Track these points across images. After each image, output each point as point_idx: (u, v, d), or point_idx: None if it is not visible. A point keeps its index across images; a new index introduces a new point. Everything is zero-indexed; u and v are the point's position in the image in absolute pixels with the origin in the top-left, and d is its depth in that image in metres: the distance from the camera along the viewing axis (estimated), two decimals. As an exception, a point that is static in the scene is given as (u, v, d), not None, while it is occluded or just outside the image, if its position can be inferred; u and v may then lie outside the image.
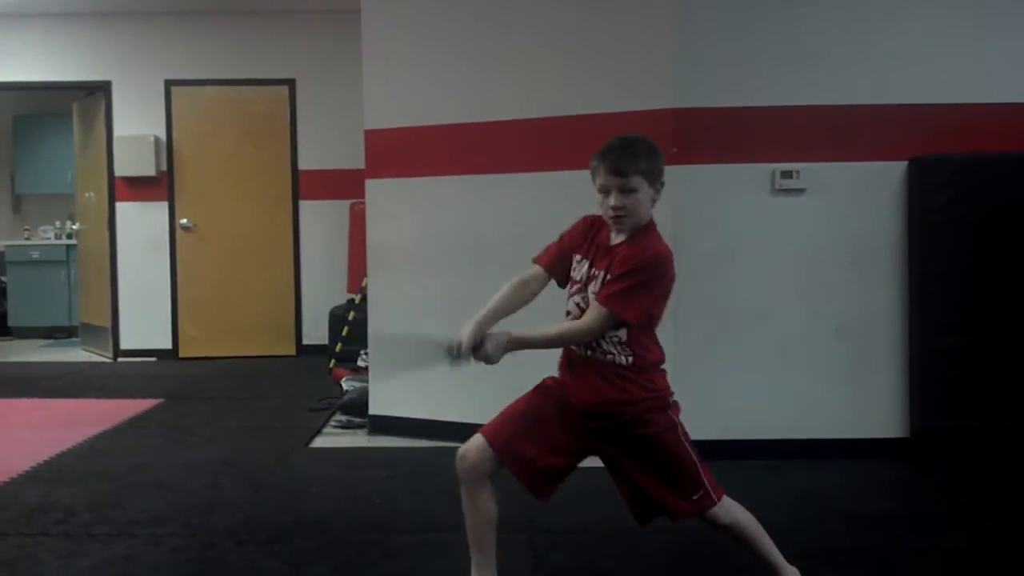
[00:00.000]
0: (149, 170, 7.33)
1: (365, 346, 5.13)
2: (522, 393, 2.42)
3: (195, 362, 7.23)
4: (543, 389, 2.40)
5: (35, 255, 8.87)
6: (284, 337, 7.54)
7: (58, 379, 6.51)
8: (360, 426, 4.79)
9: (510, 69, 4.35)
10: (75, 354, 7.84)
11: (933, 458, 3.95)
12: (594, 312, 2.23)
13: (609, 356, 2.27)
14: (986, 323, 3.99)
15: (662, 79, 4.03)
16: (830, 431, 4.04)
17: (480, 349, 2.20)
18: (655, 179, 2.27)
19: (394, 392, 4.61)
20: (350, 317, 6.16)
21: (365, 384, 4.82)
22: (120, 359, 7.43)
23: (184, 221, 7.43)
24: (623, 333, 2.26)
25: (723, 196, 4.04)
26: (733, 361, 4.08)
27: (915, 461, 3.98)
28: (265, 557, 2.94)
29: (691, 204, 3.98)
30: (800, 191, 4.04)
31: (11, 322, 8.89)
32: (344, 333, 6.17)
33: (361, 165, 4.78)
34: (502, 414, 2.39)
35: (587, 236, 2.37)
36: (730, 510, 2.35)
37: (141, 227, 7.42)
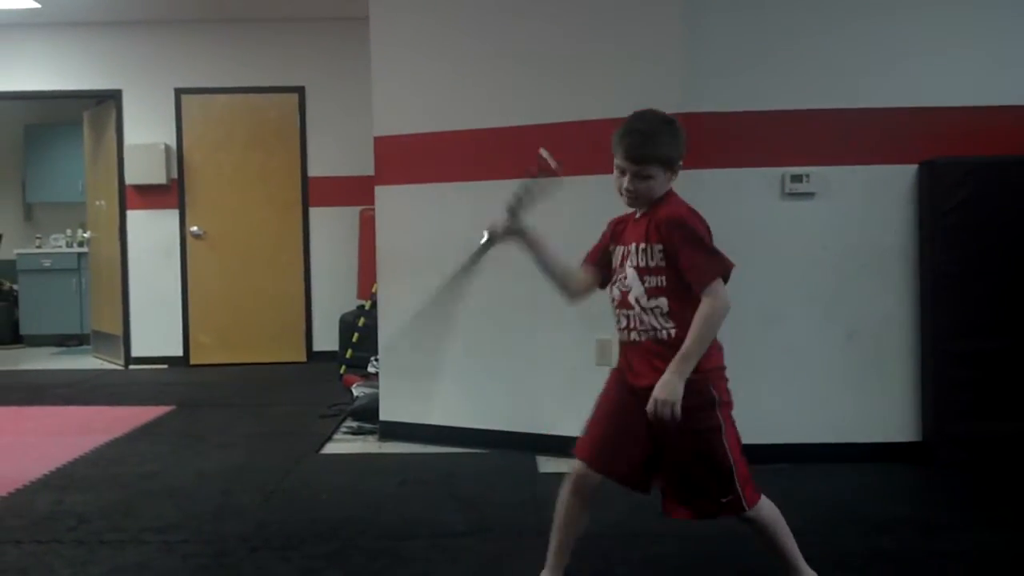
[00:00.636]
0: (160, 178, 7.36)
1: (376, 352, 5.13)
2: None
3: (206, 369, 7.25)
4: (617, 377, 2.42)
5: (46, 263, 8.92)
6: (295, 344, 7.56)
7: (70, 387, 6.54)
8: (371, 432, 4.78)
9: (518, 75, 4.35)
10: (87, 362, 7.88)
11: (946, 462, 3.93)
12: (704, 292, 2.21)
13: (651, 332, 2.28)
14: (999, 326, 3.97)
15: (671, 84, 4.02)
16: (843, 435, 4.03)
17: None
18: (673, 164, 2.32)
19: (404, 398, 4.62)
20: (360, 323, 6.17)
21: (376, 390, 4.82)
22: (132, 366, 7.45)
23: (194, 228, 7.46)
24: (663, 302, 2.26)
25: (733, 200, 4.03)
26: (744, 365, 3.99)
27: (928, 465, 3.96)
28: (277, 564, 2.94)
29: (700, 208, 3.90)
30: (810, 195, 4.03)
31: (23, 330, 8.95)
32: (354, 339, 6.18)
33: (371, 172, 4.80)
34: (592, 422, 2.41)
35: (615, 229, 2.45)
36: (760, 505, 2.35)
37: (152, 235, 7.45)
